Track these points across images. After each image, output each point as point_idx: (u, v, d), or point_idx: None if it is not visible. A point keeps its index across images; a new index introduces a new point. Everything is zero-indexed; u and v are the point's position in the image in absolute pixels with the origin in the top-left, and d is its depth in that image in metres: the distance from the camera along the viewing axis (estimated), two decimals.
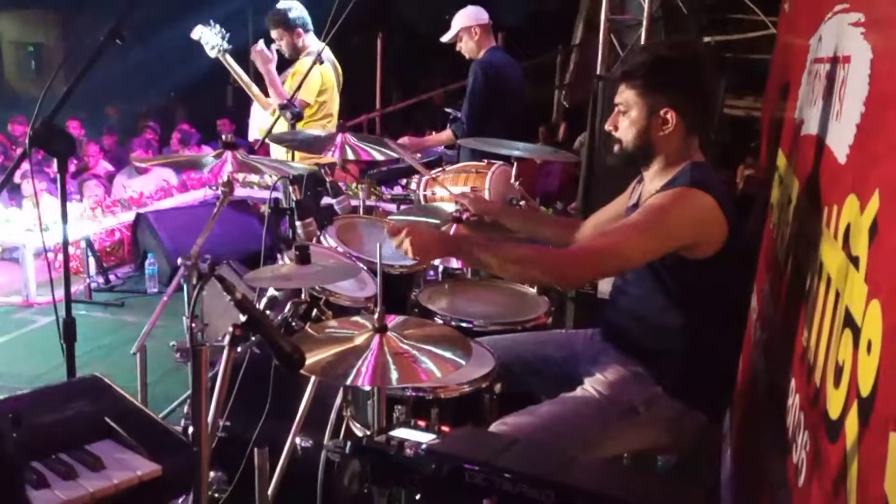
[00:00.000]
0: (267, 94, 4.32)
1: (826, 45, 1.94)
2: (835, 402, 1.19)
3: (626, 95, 2.00)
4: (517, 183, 3.14)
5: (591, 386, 2.04)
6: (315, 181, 3.59)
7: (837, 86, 1.63)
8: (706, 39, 6.92)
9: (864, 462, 1.01)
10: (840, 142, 1.49)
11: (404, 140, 4.41)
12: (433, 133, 4.97)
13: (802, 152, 2.10)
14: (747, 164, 4.83)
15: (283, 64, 4.31)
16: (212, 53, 3.94)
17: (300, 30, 4.15)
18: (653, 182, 2.04)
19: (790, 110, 2.69)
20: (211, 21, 3.94)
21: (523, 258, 1.89)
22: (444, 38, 4.30)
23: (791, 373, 1.64)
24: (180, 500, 2.17)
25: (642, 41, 5.32)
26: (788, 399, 1.61)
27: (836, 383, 1.20)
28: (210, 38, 3.89)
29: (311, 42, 4.20)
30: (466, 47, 4.26)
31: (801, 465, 1.37)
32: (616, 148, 2.06)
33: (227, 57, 3.97)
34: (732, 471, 2.49)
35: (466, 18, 4.22)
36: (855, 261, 1.20)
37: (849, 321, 1.18)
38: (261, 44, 3.97)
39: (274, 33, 4.22)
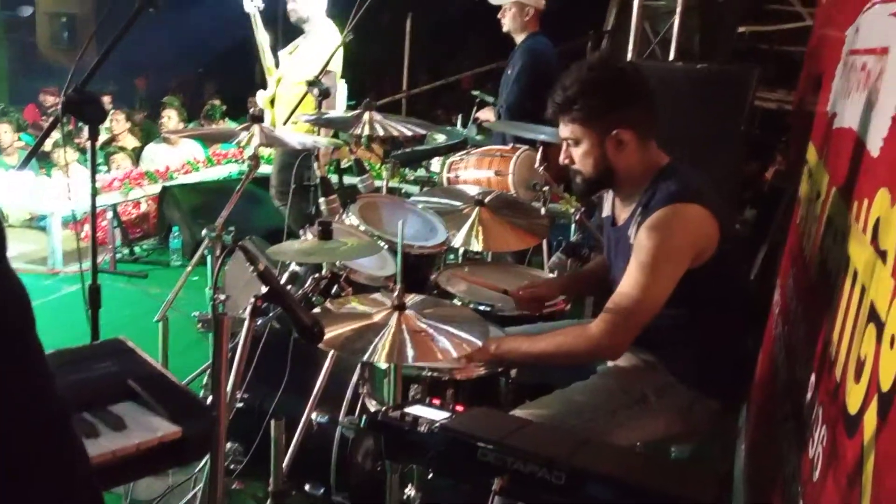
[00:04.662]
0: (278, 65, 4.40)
1: (863, 35, 1.90)
2: (854, 396, 1.18)
3: (570, 129, 1.95)
4: (541, 168, 3.12)
5: (603, 375, 2.05)
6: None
7: (874, 77, 1.59)
8: (741, 30, 6.78)
9: (880, 457, 1.00)
10: (874, 134, 1.47)
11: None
12: (460, 116, 4.94)
13: (834, 145, 2.07)
14: (778, 162, 4.77)
15: (296, 32, 4.41)
16: (247, 7, 4.06)
17: None
18: (628, 200, 2.01)
19: (823, 103, 2.64)
20: None
21: (561, 349, 1.92)
22: (494, 0, 4.14)
23: (811, 367, 1.62)
24: (199, 464, 2.22)
25: (675, 29, 5.24)
26: (807, 393, 1.60)
27: (857, 378, 1.18)
28: None
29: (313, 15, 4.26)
30: (512, 23, 4.11)
31: (817, 459, 1.36)
32: (578, 179, 2.03)
33: (258, 17, 4.09)
34: (747, 463, 2.48)
35: None
36: (883, 255, 1.18)
37: (873, 316, 1.17)
38: None
39: None
